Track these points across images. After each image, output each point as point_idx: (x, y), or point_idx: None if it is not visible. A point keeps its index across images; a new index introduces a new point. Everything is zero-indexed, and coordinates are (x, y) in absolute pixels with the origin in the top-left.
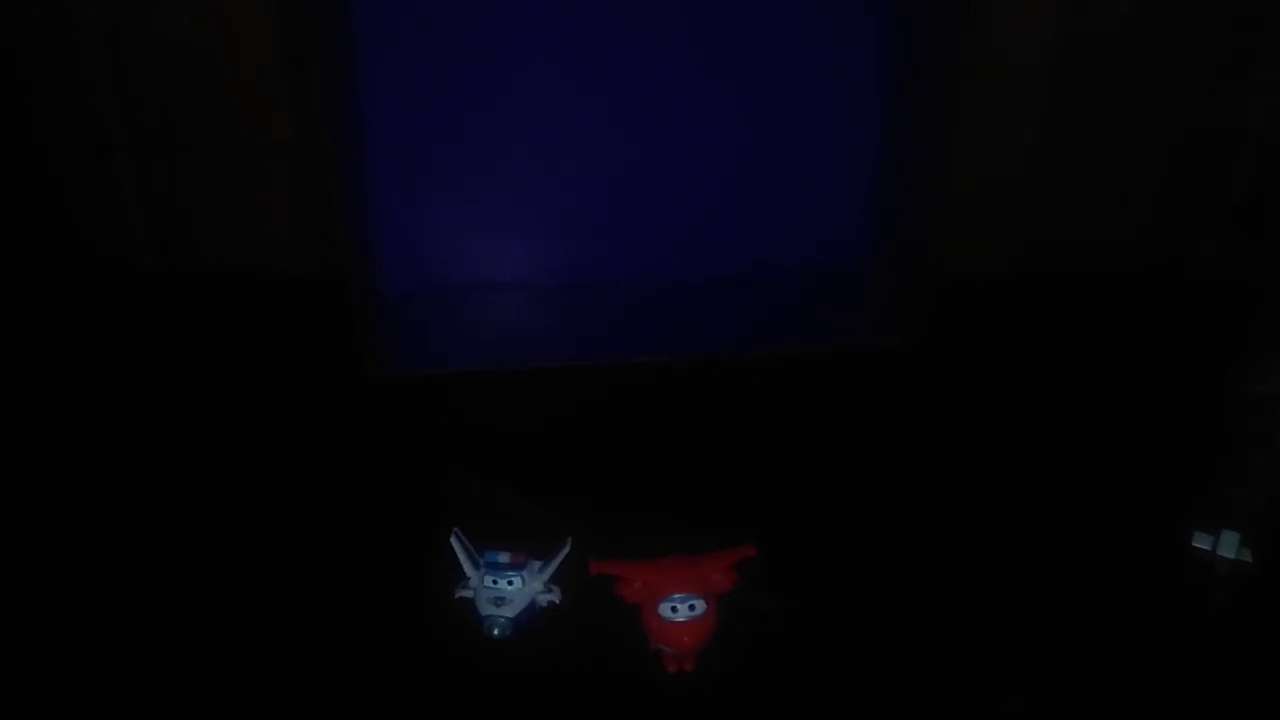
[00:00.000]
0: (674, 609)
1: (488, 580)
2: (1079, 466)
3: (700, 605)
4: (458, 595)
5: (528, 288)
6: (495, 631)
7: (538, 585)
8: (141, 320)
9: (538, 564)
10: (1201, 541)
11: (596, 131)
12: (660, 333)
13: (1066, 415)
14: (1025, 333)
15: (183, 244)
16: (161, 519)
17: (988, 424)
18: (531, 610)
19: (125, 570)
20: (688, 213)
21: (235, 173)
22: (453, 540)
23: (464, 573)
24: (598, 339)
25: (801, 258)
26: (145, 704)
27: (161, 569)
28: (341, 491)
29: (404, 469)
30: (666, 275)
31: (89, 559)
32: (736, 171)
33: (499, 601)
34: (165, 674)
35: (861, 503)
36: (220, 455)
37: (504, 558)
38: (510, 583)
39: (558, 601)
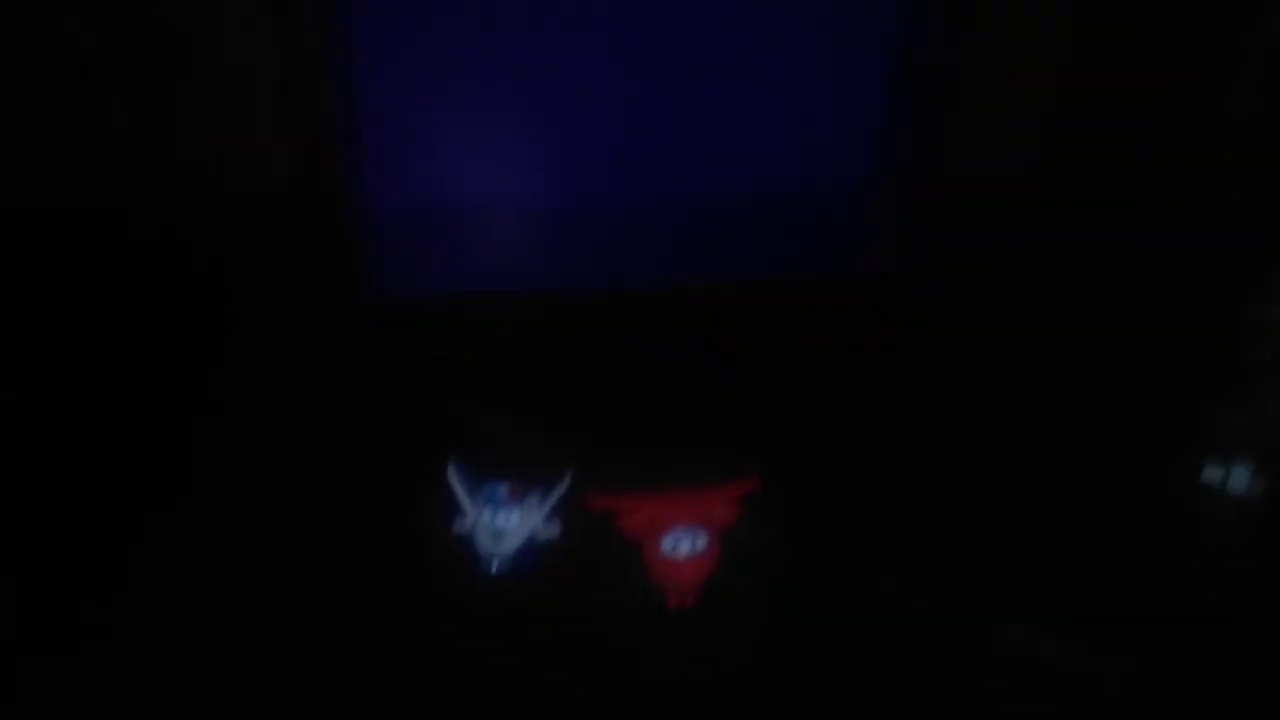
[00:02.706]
0: (676, 544)
1: (485, 515)
2: (1085, 397)
3: (703, 539)
4: (454, 531)
5: (525, 209)
6: (494, 567)
7: (537, 519)
8: (123, 242)
9: (537, 497)
10: (1212, 475)
11: (596, 50)
12: (659, 257)
13: (1074, 344)
14: (1033, 258)
15: (166, 163)
16: (139, 454)
17: (993, 351)
18: (530, 545)
19: (100, 503)
20: (688, 133)
21: (218, 90)
22: (449, 472)
23: (461, 507)
24: (596, 263)
25: (805, 180)
26: (131, 649)
27: (139, 502)
28: (332, 421)
29: (397, 397)
30: (666, 198)
31: (74, 487)
32: (738, 89)
33: (497, 537)
34: (150, 614)
35: (864, 432)
36: (202, 381)
37: (502, 491)
38: (509, 517)
39: (557, 536)
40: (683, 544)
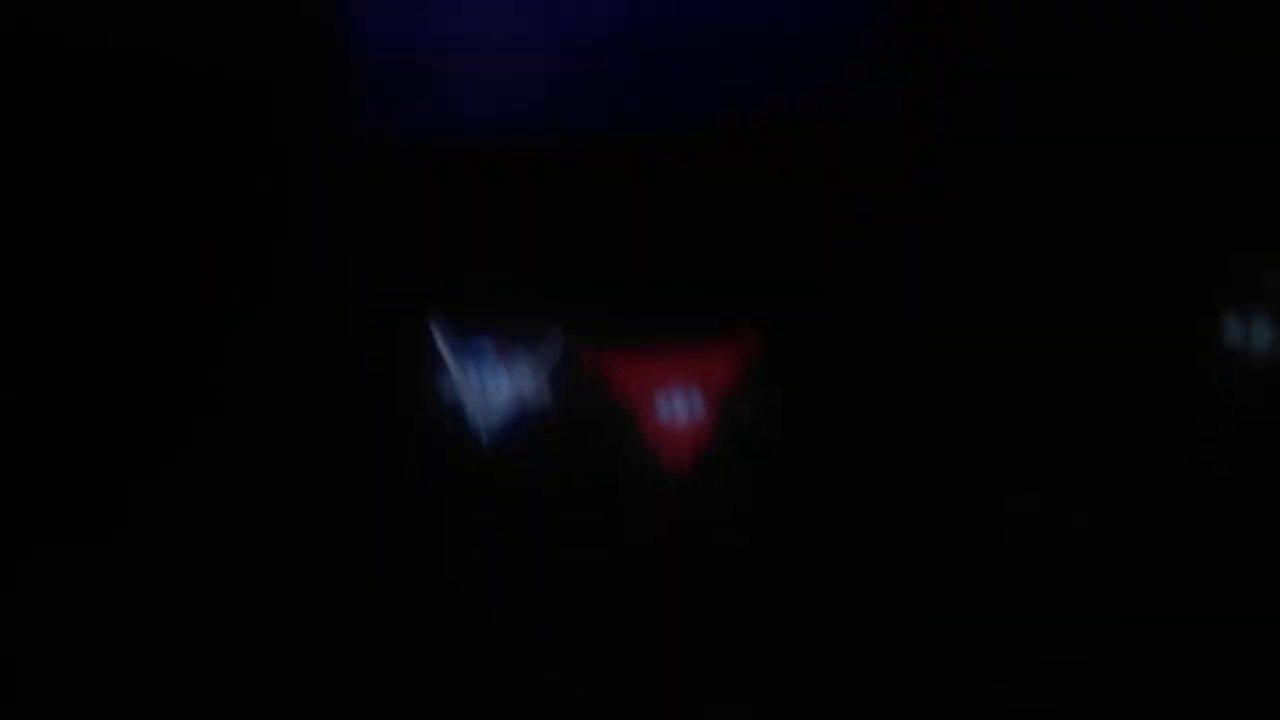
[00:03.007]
0: (672, 406)
1: (473, 374)
2: (1102, 247)
3: (699, 402)
4: (441, 391)
5: (513, 47)
6: (482, 429)
7: (526, 378)
8: (109, 75)
9: (526, 355)
10: (1233, 331)
11: None
12: (656, 97)
13: (1086, 190)
14: (1047, 100)
15: None
16: (131, 311)
17: (1004, 198)
18: (522, 407)
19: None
20: None
21: None
22: (434, 329)
23: (448, 366)
24: (583, 105)
25: (799, 13)
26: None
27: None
28: (317, 272)
29: (383, 246)
30: (662, 34)
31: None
32: None
33: (487, 397)
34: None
35: (867, 288)
36: (192, 231)
37: (490, 348)
38: (497, 376)
39: (549, 398)
40: (679, 408)
